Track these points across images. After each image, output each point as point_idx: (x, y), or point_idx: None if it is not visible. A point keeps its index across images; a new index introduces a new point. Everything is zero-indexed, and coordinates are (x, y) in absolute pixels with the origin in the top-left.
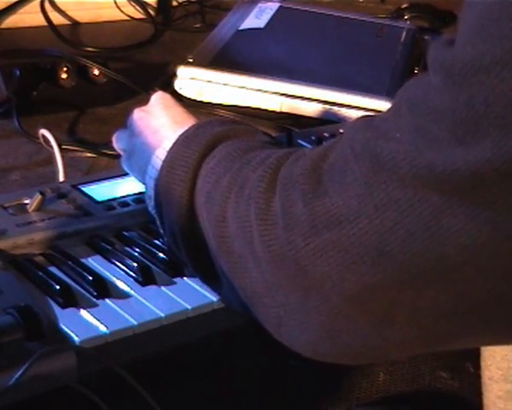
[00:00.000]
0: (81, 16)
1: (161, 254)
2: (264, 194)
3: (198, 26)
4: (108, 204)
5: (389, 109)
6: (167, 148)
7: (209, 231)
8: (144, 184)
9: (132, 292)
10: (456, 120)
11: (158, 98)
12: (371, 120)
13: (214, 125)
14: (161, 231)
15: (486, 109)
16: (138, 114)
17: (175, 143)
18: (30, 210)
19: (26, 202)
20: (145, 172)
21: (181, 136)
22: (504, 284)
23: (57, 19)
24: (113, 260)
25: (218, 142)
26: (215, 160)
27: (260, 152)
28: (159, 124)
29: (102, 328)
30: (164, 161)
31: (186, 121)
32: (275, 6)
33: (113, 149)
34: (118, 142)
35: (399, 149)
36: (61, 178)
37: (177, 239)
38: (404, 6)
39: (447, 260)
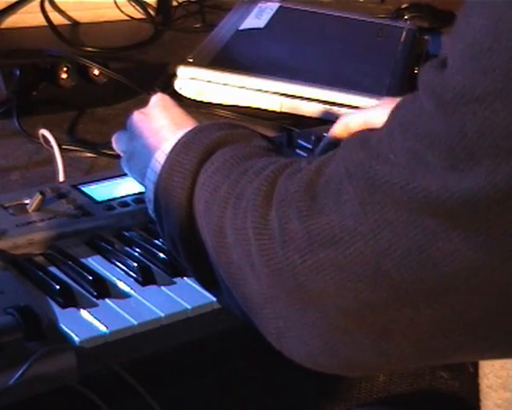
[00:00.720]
0: (81, 16)
1: (161, 254)
2: (261, 208)
3: (198, 26)
4: (108, 204)
5: (383, 129)
6: (166, 151)
7: (208, 240)
8: (144, 186)
9: (132, 292)
10: (448, 146)
11: (157, 100)
12: (365, 140)
13: (212, 130)
14: (161, 234)
15: (479, 138)
16: (138, 116)
17: (174, 148)
18: (30, 210)
19: (26, 202)
20: (145, 175)
21: (179, 140)
22: (501, 302)
23: (57, 19)
24: (113, 260)
25: (216, 148)
26: (213, 167)
27: (257, 161)
28: (158, 126)
29: (102, 328)
30: (163, 166)
31: (185, 123)
32: (275, 6)
33: (113, 149)
34: (117, 143)
35: (394, 172)
36: (61, 178)
37: (176, 244)
38: (404, 6)
39: (444, 280)
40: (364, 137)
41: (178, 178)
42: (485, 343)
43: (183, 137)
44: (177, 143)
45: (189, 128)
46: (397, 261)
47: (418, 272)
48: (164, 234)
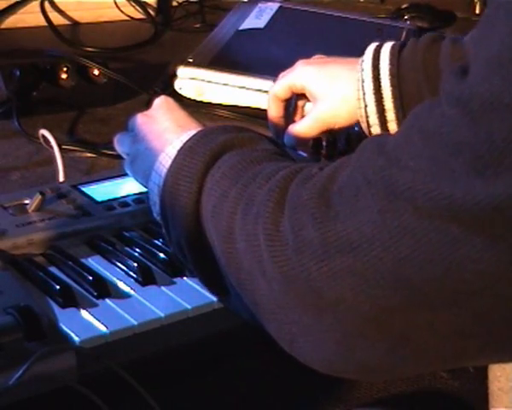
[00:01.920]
0: (81, 16)
1: (161, 254)
2: (273, 214)
3: (198, 26)
4: (108, 204)
5: (400, 134)
6: (171, 154)
7: (217, 246)
8: (148, 189)
9: (132, 292)
10: (475, 154)
11: (160, 102)
12: (382, 145)
13: (218, 134)
14: (167, 238)
15: (508, 145)
16: (141, 119)
17: (179, 152)
18: (30, 210)
19: (26, 202)
20: (149, 178)
21: (185, 144)
22: None
23: (57, 19)
24: (113, 260)
25: (222, 152)
26: (220, 172)
27: (266, 165)
28: (162, 128)
29: (102, 328)
30: (168, 170)
31: (189, 125)
32: (275, 6)
33: (113, 149)
34: (120, 145)
35: (415, 179)
36: (61, 178)
37: (183, 249)
38: (404, 6)
39: (465, 285)
40: (380, 142)
41: (185, 183)
42: (505, 346)
43: (188, 141)
44: (182, 147)
45: (194, 131)
46: (418, 267)
47: (440, 277)
48: (170, 238)
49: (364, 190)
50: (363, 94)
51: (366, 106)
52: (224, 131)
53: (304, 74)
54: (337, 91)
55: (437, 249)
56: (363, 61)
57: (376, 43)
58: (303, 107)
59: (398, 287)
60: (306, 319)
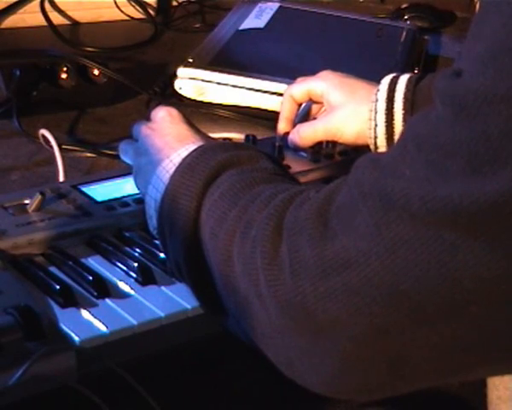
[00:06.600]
0: (81, 16)
1: (161, 255)
2: (271, 238)
3: (198, 26)
4: (108, 204)
5: (395, 148)
6: (168, 168)
7: (214, 268)
8: (145, 202)
9: (132, 292)
10: (471, 151)
11: (164, 115)
12: (377, 160)
13: (217, 151)
14: (164, 254)
15: (503, 139)
16: (145, 131)
17: (177, 169)
18: (30, 210)
19: (26, 202)
20: (146, 191)
21: (184, 161)
22: None
23: (57, 19)
24: (113, 260)
25: (221, 170)
26: (219, 191)
27: (265, 188)
28: (162, 142)
29: (102, 328)
30: (166, 187)
31: (187, 139)
32: (275, 6)
33: (113, 149)
34: (124, 155)
35: (411, 186)
36: (61, 178)
37: (181, 267)
38: (404, 6)
39: (464, 293)
40: (375, 158)
41: (184, 201)
42: (505, 355)
43: (186, 158)
44: (180, 164)
45: (192, 146)
46: (415, 279)
47: (437, 288)
48: (167, 255)
49: (361, 204)
50: (375, 113)
51: (376, 125)
52: (223, 148)
53: (327, 80)
54: (352, 105)
55: (433, 258)
56: (380, 83)
57: (394, 74)
58: (315, 114)
59: (394, 303)
60: (302, 343)
